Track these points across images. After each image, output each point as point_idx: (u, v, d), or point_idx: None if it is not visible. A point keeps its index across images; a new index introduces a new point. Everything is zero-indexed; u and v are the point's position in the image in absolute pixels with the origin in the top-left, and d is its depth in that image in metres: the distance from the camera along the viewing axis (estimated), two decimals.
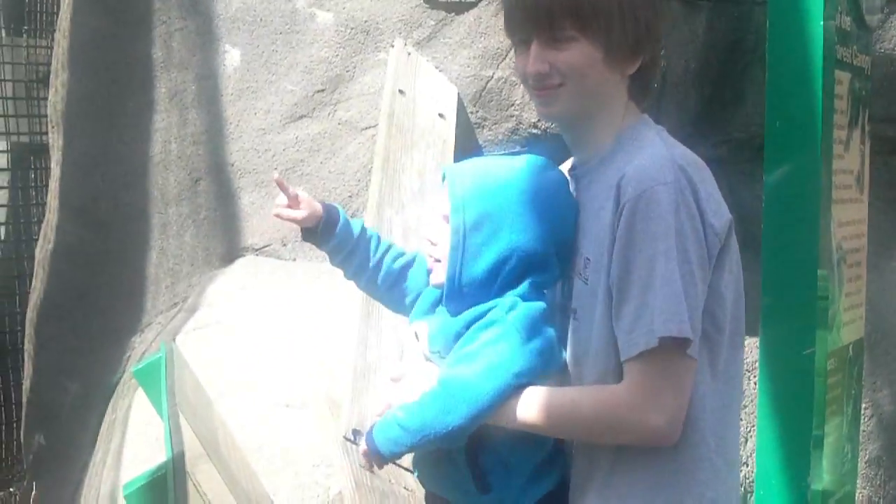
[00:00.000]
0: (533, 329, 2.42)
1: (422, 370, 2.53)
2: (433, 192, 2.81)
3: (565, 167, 2.70)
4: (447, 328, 2.51)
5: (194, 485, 2.66)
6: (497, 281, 2.45)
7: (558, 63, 2.45)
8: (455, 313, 2.50)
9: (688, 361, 2.26)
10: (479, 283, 2.46)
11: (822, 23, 3.14)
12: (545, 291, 2.53)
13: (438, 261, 2.50)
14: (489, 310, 2.44)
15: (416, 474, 2.62)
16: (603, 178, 2.37)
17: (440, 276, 2.50)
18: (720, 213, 2.31)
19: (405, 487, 3.05)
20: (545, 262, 2.48)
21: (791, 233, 3.32)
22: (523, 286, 2.46)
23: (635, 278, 2.25)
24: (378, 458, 2.45)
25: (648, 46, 2.47)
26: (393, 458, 2.47)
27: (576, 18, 2.43)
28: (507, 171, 2.53)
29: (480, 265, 2.46)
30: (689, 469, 2.34)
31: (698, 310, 2.25)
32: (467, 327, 2.45)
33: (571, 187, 2.59)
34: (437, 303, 2.57)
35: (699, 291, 2.25)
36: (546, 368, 2.42)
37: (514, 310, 2.42)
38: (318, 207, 2.59)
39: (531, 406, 2.36)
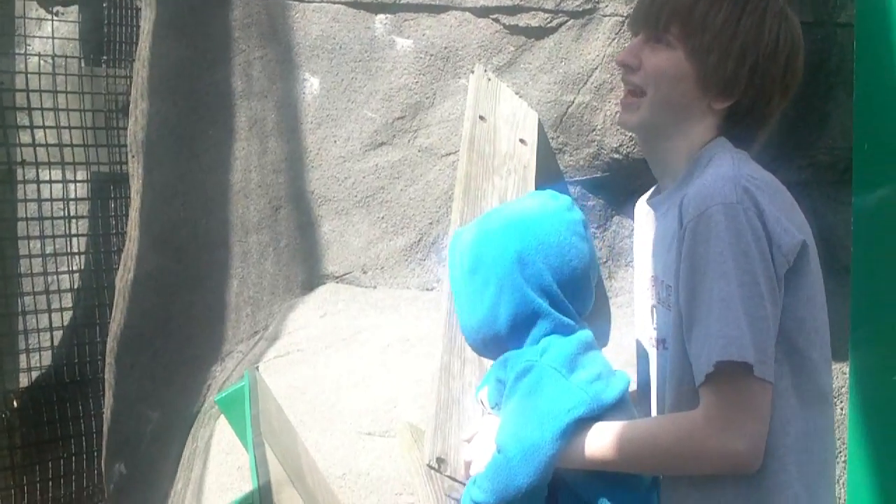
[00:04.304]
0: (572, 362, 2.39)
1: (487, 425, 2.50)
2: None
3: (642, 198, 2.70)
4: (491, 377, 2.52)
5: None
6: (503, 317, 2.45)
7: (648, 63, 2.47)
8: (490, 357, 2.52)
9: (761, 384, 2.22)
10: (487, 326, 2.47)
11: None
12: (583, 322, 2.53)
13: None
14: (522, 353, 2.42)
15: None
16: (675, 202, 2.35)
17: None
18: (789, 234, 2.26)
19: None
20: (552, 293, 2.47)
21: (881, 256, 3.28)
22: (548, 319, 2.45)
23: (698, 302, 2.24)
24: None
25: (749, 91, 2.43)
26: None
27: (682, 26, 2.43)
28: (498, 215, 2.57)
29: (481, 312, 2.47)
30: (771, 498, 2.30)
31: (768, 332, 2.21)
32: (504, 366, 2.44)
33: (645, 216, 2.58)
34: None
35: (769, 313, 2.21)
36: (601, 399, 2.37)
37: (547, 351, 2.39)
38: None
39: (603, 442, 2.32)
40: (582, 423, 2.33)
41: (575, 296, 2.49)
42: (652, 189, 2.68)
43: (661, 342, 2.45)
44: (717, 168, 2.34)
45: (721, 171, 2.31)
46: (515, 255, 2.42)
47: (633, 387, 2.61)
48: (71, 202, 6.67)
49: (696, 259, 2.23)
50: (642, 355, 2.64)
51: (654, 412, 2.52)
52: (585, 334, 2.48)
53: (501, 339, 2.46)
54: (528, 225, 2.46)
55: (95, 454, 6.39)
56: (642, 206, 2.68)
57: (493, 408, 2.54)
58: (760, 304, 2.20)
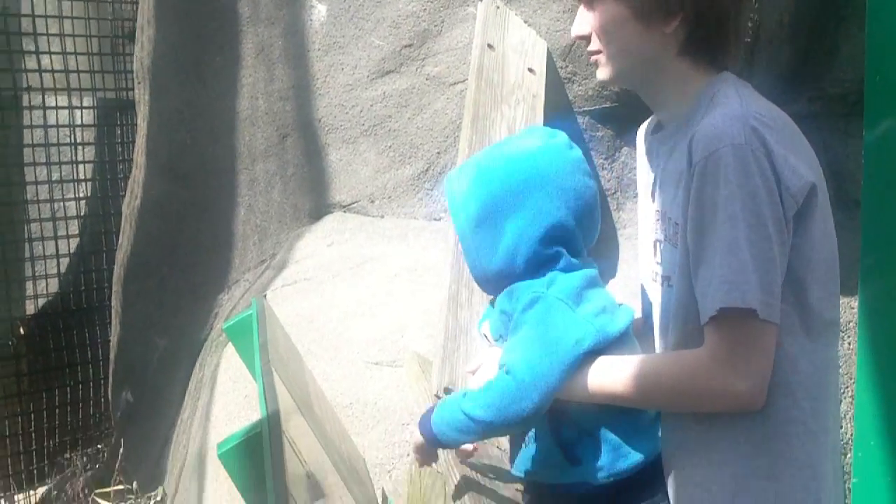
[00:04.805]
0: (578, 296, 2.40)
1: (492, 356, 2.51)
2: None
3: (644, 128, 2.69)
4: (497, 309, 2.51)
5: (289, 442, 2.64)
6: (520, 262, 2.45)
7: (594, 26, 2.47)
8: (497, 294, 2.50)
9: (766, 325, 2.21)
10: (504, 270, 2.46)
11: None
12: (589, 259, 2.53)
13: None
14: (529, 284, 2.42)
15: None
16: (683, 140, 2.34)
17: None
18: (798, 175, 2.25)
19: (498, 447, 3.01)
20: (565, 232, 2.46)
21: (891, 189, 3.26)
22: (561, 261, 2.44)
23: (706, 244, 2.22)
24: (433, 445, 2.44)
25: (688, 1, 2.41)
26: (452, 446, 2.47)
27: None
28: (498, 157, 2.53)
29: (498, 257, 2.46)
30: (782, 434, 2.30)
31: (774, 273, 2.20)
32: (510, 297, 2.44)
33: (646, 151, 2.57)
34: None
35: (776, 255, 2.20)
36: (606, 331, 2.37)
37: (553, 284, 2.40)
38: None
39: (607, 376, 2.34)
40: (587, 357, 2.35)
41: (587, 231, 2.50)
42: (654, 121, 2.67)
43: (665, 279, 2.45)
44: (724, 107, 2.32)
45: (728, 109, 2.29)
46: (529, 198, 2.42)
47: (638, 315, 2.62)
48: (77, 129, 6.65)
49: (705, 200, 2.22)
50: (645, 288, 2.64)
51: (657, 345, 2.52)
52: (591, 270, 2.48)
53: (515, 277, 2.46)
54: (537, 166, 2.45)
55: (102, 381, 6.41)
56: (645, 138, 2.66)
57: (496, 340, 2.54)
58: (768, 247, 2.20)
